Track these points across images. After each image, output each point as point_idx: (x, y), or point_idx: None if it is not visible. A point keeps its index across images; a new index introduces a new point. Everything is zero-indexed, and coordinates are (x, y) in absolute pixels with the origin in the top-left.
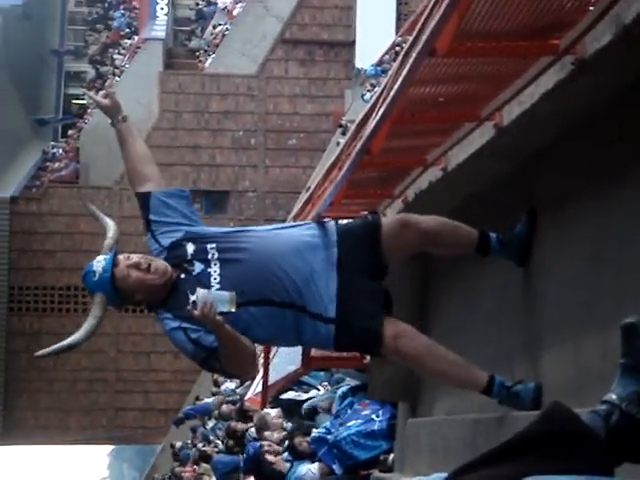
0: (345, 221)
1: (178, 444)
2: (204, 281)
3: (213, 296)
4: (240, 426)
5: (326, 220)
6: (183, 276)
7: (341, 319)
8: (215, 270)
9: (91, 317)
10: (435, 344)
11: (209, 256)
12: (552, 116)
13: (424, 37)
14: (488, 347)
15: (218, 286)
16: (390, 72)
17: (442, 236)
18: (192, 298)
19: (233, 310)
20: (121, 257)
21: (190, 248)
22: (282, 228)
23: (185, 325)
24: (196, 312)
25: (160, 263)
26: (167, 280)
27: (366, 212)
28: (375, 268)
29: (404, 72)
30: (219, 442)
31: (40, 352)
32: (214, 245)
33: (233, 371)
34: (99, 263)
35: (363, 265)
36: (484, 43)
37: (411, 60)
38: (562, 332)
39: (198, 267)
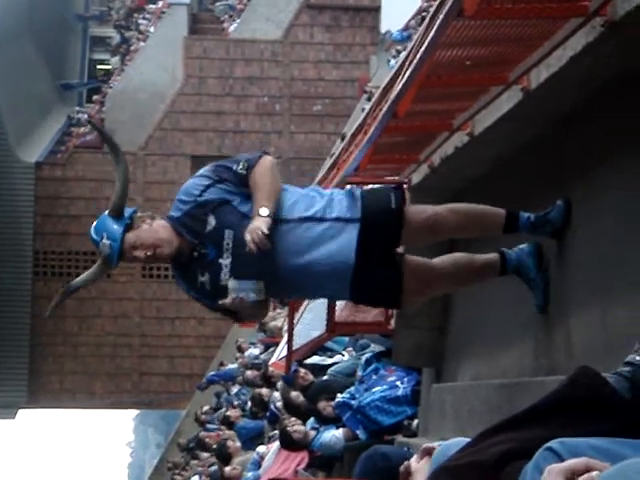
0: (370, 187)
1: (204, 408)
2: (215, 269)
3: (244, 287)
4: (265, 391)
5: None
6: (196, 254)
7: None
8: (226, 264)
9: (93, 268)
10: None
11: (224, 243)
12: (581, 80)
13: None
14: (514, 311)
15: (226, 277)
16: (417, 35)
17: (468, 229)
18: (228, 285)
19: (262, 298)
20: (130, 237)
21: (211, 223)
22: (312, 217)
23: (192, 294)
24: (227, 301)
25: (164, 250)
26: (174, 250)
27: (392, 184)
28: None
29: (431, 34)
30: (243, 407)
31: (50, 307)
32: (232, 233)
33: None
34: (107, 238)
35: (379, 255)
36: (512, 4)
37: (438, 21)
38: (589, 296)
39: (211, 252)
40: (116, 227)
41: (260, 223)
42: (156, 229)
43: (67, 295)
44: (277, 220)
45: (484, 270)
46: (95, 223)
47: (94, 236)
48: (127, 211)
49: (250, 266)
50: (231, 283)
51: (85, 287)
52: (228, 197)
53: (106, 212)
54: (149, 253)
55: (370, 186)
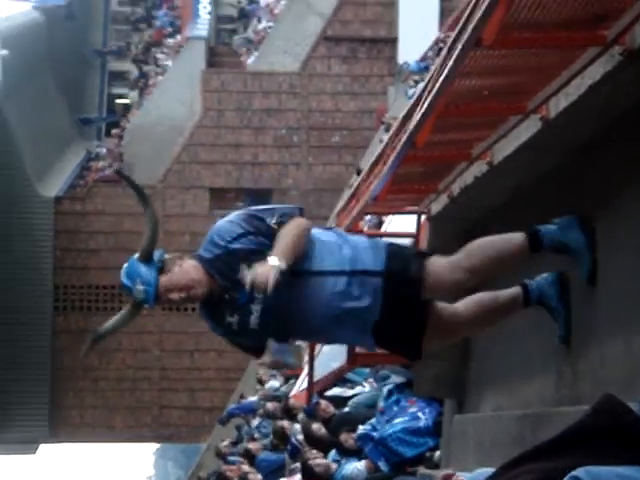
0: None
1: (224, 443)
2: (244, 312)
3: (284, 350)
4: (285, 424)
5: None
6: (227, 297)
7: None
8: (257, 309)
9: (122, 313)
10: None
11: (255, 293)
12: (600, 108)
13: (470, 27)
14: (536, 341)
15: (256, 322)
16: (435, 64)
17: (492, 273)
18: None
19: (299, 364)
20: (164, 280)
21: (244, 271)
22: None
23: (219, 331)
24: (266, 361)
25: (198, 291)
26: (207, 291)
27: (417, 249)
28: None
29: (449, 63)
30: (264, 440)
31: (82, 353)
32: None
33: None
34: (141, 284)
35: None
36: (531, 34)
37: (457, 51)
38: (613, 325)
39: (243, 297)
40: (149, 271)
41: (269, 268)
42: (187, 270)
43: (97, 341)
44: (307, 272)
45: (508, 307)
46: (125, 268)
47: (126, 282)
48: (156, 254)
49: (279, 317)
50: (272, 345)
51: (114, 333)
52: (260, 248)
53: (135, 257)
54: (183, 295)
55: (393, 240)
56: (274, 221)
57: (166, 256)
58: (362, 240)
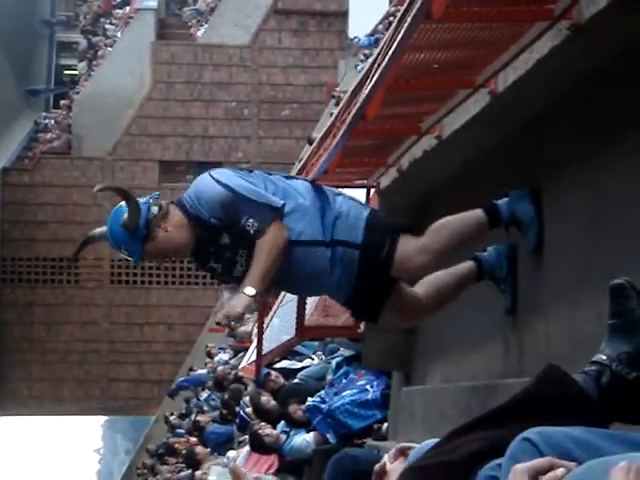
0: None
1: (173, 416)
2: (229, 264)
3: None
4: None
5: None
6: (212, 249)
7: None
8: (242, 262)
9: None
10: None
11: (237, 257)
12: (547, 82)
13: (419, 1)
14: (483, 313)
15: (241, 270)
16: (385, 38)
17: (457, 248)
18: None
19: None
20: (150, 249)
21: (225, 239)
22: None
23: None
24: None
25: (184, 253)
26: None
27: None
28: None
29: (399, 37)
30: (213, 413)
31: (73, 256)
32: (245, 252)
33: None
34: (125, 250)
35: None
36: (479, 7)
37: (406, 24)
38: (558, 298)
39: (229, 254)
40: (133, 241)
41: (240, 303)
42: (174, 235)
43: (87, 243)
44: (291, 242)
45: (464, 282)
46: (111, 230)
47: (112, 243)
48: (142, 210)
49: None
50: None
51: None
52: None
53: (120, 221)
54: (167, 259)
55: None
56: (248, 225)
57: (152, 215)
58: (345, 205)
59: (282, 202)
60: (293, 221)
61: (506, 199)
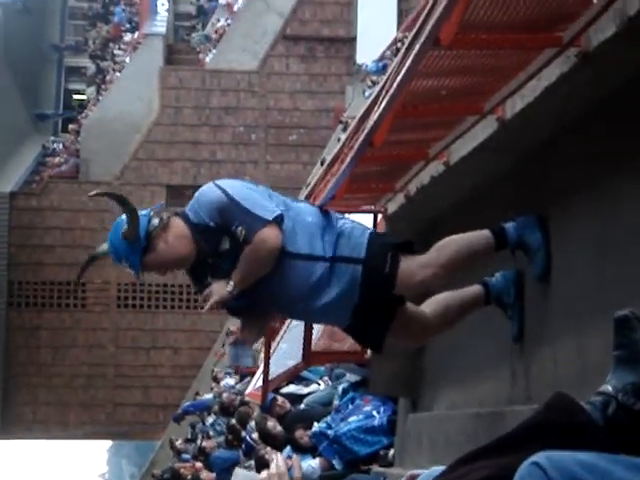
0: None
1: (178, 441)
2: (227, 279)
3: (242, 354)
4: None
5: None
6: (210, 261)
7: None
8: None
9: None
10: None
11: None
12: (555, 109)
13: (428, 28)
14: (490, 340)
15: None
16: (393, 64)
17: (459, 271)
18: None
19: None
20: (150, 261)
21: (225, 244)
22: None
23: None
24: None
25: (185, 265)
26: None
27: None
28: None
29: (407, 63)
30: (219, 438)
31: (76, 278)
32: None
33: None
34: (126, 262)
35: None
36: (488, 35)
37: (414, 51)
38: (565, 325)
39: (226, 265)
40: (134, 253)
41: (222, 291)
42: (174, 246)
43: (92, 262)
44: (287, 253)
45: (471, 306)
46: (112, 242)
47: (113, 256)
48: (142, 222)
49: (259, 291)
50: (230, 351)
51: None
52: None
53: (120, 233)
54: (169, 271)
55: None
56: (238, 230)
57: (152, 227)
58: (348, 225)
59: (278, 212)
60: (292, 234)
61: (514, 223)
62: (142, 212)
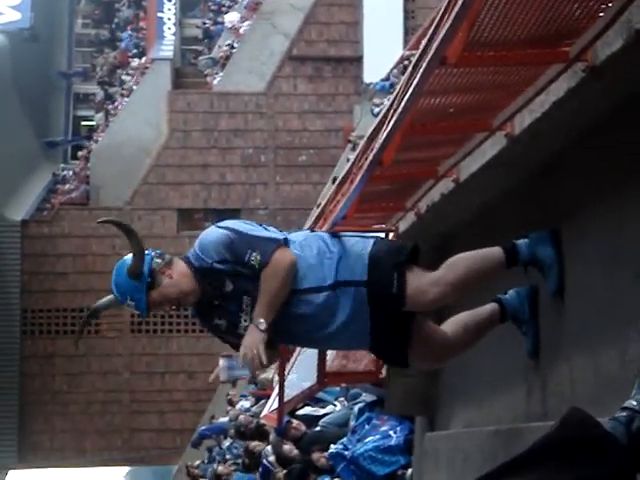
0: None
1: (195, 463)
2: (234, 319)
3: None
4: (257, 445)
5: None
6: (217, 303)
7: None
8: (246, 319)
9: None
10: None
11: (243, 305)
12: (564, 124)
13: (434, 46)
14: (505, 357)
15: (244, 326)
16: (400, 83)
17: (471, 288)
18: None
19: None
20: (155, 296)
21: (229, 286)
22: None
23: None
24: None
25: (189, 299)
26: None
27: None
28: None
29: (414, 82)
30: (237, 461)
31: (75, 339)
32: (249, 299)
33: None
34: (131, 300)
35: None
36: (494, 52)
37: (421, 70)
38: (581, 340)
39: (233, 307)
40: (139, 289)
41: (256, 338)
42: (178, 282)
43: (91, 318)
44: (293, 291)
45: (488, 324)
46: (116, 282)
47: (117, 295)
48: (146, 260)
49: (275, 330)
50: (221, 363)
51: (108, 309)
52: (242, 271)
53: (124, 269)
54: (174, 306)
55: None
56: (252, 260)
57: (157, 266)
58: (350, 242)
59: (284, 236)
60: (295, 272)
61: (526, 240)
62: (145, 251)
